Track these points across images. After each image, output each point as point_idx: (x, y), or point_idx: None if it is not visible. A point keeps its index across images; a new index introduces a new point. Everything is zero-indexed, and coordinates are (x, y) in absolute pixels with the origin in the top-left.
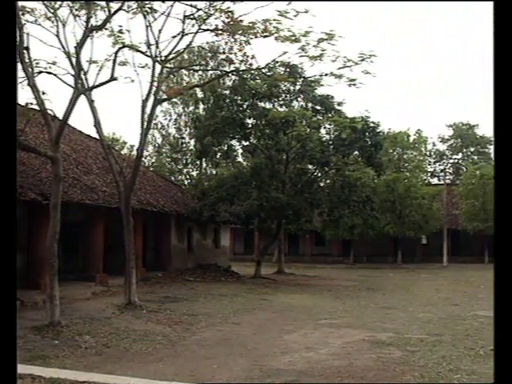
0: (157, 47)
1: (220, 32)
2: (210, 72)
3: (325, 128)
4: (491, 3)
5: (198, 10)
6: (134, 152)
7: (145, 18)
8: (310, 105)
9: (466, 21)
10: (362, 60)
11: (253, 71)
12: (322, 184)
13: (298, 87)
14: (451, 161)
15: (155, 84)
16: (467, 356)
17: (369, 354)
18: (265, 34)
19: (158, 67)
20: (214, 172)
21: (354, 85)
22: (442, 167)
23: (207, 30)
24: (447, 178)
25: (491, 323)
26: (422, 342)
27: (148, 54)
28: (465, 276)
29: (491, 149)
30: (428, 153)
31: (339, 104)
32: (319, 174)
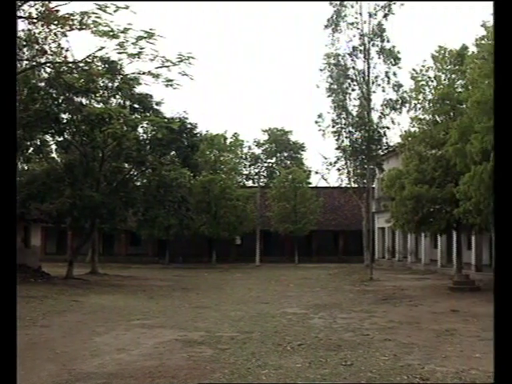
0: None
1: (34, 21)
2: (25, 62)
3: (142, 127)
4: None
5: None
6: None
7: None
8: (128, 103)
9: (288, 27)
10: (181, 61)
11: (70, 64)
12: (137, 183)
13: (116, 84)
14: (265, 164)
15: None
16: (275, 352)
17: (180, 354)
18: (82, 26)
19: None
20: (26, 167)
21: (171, 85)
22: (256, 170)
23: (21, 17)
24: (261, 180)
25: (299, 320)
26: (233, 339)
27: None
28: (276, 275)
29: (303, 154)
30: (244, 156)
31: (157, 103)
32: (135, 173)
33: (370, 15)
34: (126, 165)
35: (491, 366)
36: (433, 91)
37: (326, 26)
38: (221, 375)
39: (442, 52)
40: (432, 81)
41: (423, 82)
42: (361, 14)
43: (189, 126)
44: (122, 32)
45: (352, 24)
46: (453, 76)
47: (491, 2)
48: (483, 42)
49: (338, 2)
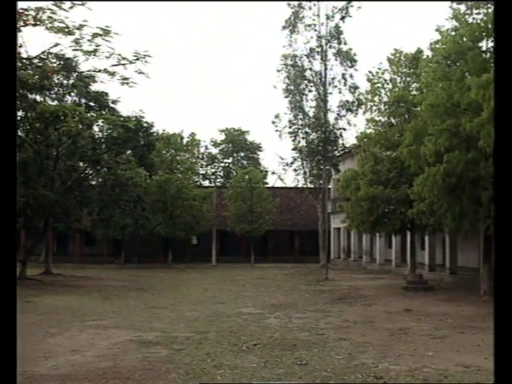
0: None
1: None
2: None
3: (98, 125)
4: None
5: None
6: None
7: None
8: (83, 101)
9: (247, 26)
10: (137, 59)
11: (24, 60)
12: (93, 182)
13: (71, 81)
14: (222, 164)
15: None
16: (231, 352)
17: (135, 354)
18: (36, 22)
19: None
20: None
21: (128, 84)
22: (213, 170)
23: None
24: (218, 180)
25: (254, 320)
26: (189, 339)
27: None
28: (232, 275)
29: (260, 154)
30: (200, 155)
31: (113, 102)
32: (90, 172)
33: (328, 17)
34: (81, 163)
35: (443, 364)
36: (388, 93)
37: (284, 27)
38: (176, 376)
39: (398, 55)
40: (388, 83)
41: (379, 85)
42: (318, 15)
43: (145, 124)
44: (78, 29)
45: (309, 26)
46: (408, 79)
47: (446, 7)
48: (437, 46)
49: (296, 4)
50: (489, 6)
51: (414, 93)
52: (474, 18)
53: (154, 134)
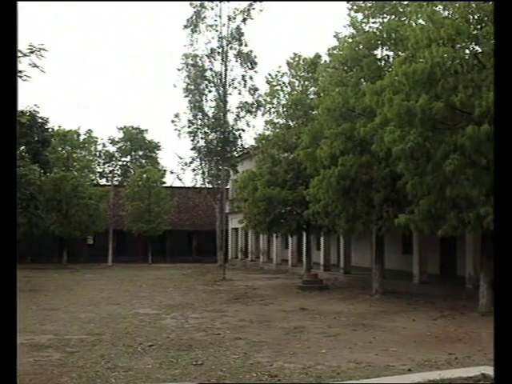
0: None
1: None
2: None
3: None
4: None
5: None
6: None
7: None
8: None
9: (149, 24)
10: (32, 52)
11: None
12: None
13: None
14: (120, 163)
15: None
16: (125, 353)
17: (26, 358)
18: None
19: None
20: None
21: (21, 77)
22: (110, 168)
23: None
24: (115, 179)
25: (151, 321)
26: (82, 342)
27: None
28: (128, 275)
29: (158, 153)
30: (98, 153)
31: None
32: None
33: (230, 19)
34: None
35: (336, 361)
36: (287, 96)
37: (186, 26)
38: (68, 379)
39: (297, 59)
40: (286, 86)
41: (278, 87)
42: (220, 16)
43: (40, 120)
44: None
45: (211, 26)
46: (306, 83)
47: (345, 15)
48: (335, 52)
49: (199, 3)
50: (384, 16)
51: (312, 96)
52: (370, 27)
53: (50, 130)
